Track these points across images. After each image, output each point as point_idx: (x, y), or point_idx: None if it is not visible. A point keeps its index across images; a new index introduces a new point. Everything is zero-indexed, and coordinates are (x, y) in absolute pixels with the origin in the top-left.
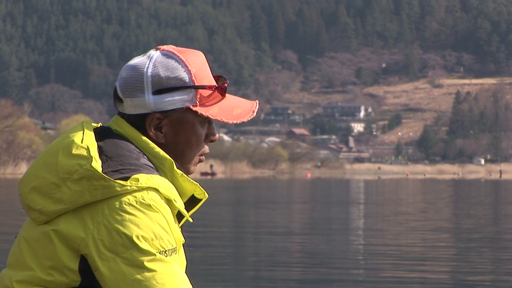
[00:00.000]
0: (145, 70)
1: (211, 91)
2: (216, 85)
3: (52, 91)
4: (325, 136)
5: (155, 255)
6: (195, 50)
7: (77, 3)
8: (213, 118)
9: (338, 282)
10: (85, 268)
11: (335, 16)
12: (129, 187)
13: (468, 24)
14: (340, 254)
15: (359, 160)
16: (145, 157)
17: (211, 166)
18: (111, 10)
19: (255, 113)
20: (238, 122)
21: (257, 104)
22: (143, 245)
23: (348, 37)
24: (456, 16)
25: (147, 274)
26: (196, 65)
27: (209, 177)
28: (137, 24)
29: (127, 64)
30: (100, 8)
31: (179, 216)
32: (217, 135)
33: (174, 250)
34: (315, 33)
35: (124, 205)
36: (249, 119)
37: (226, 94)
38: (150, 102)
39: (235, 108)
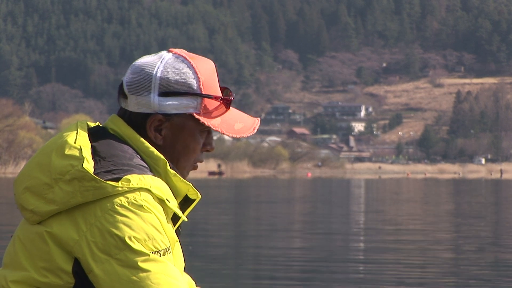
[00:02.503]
0: (155, 70)
1: (216, 102)
2: (222, 97)
3: (53, 90)
4: (325, 136)
5: (148, 255)
6: (206, 58)
7: (78, 2)
8: (214, 129)
9: (338, 281)
10: (79, 270)
11: (336, 16)
12: (120, 188)
13: (469, 23)
14: (340, 253)
15: (360, 159)
16: (139, 157)
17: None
18: (112, 10)
19: (255, 130)
20: (238, 137)
21: (259, 122)
22: (136, 246)
23: (348, 37)
24: (457, 15)
25: (141, 274)
26: (206, 74)
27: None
28: (138, 24)
29: (136, 61)
30: (100, 8)
31: (175, 216)
32: (213, 146)
33: (168, 250)
34: (316, 32)
35: (116, 206)
36: (249, 135)
37: (230, 107)
38: (154, 102)
39: (237, 122)
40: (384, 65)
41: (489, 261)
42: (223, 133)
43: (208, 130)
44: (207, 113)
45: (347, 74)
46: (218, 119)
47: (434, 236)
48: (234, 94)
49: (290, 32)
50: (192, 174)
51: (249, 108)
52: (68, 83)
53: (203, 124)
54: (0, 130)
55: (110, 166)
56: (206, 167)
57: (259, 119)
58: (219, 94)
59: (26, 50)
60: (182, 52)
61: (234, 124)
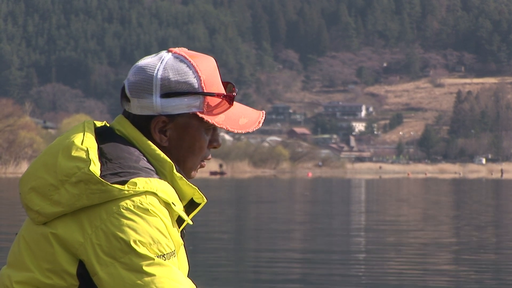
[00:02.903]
0: (155, 72)
1: (219, 99)
2: (225, 93)
3: (53, 90)
4: (326, 136)
5: (153, 259)
6: (207, 56)
7: (78, 2)
8: (219, 126)
9: (338, 282)
10: (83, 272)
11: (336, 16)
12: (126, 192)
13: (469, 23)
14: (340, 254)
15: (360, 159)
16: (145, 159)
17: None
18: (112, 9)
19: (261, 124)
20: (243, 132)
21: (264, 115)
22: (141, 249)
23: (349, 37)
24: (457, 15)
25: (146, 278)
26: (207, 72)
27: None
28: (138, 24)
29: (137, 63)
30: (101, 7)
31: (180, 219)
32: (220, 142)
33: (173, 254)
34: (316, 32)
35: (122, 209)
36: (254, 129)
37: (234, 102)
38: (157, 104)
39: (241, 118)
40: (385, 65)
41: (489, 261)
42: (228, 130)
43: (213, 127)
44: (211, 111)
45: (347, 74)
46: (222, 115)
47: (435, 236)
48: (237, 89)
49: (290, 32)
50: None
51: None
52: (69, 83)
53: (207, 122)
54: (1, 130)
55: (116, 169)
56: (207, 167)
57: (264, 112)
58: (222, 90)
59: (26, 50)
60: (182, 51)
61: (239, 119)
